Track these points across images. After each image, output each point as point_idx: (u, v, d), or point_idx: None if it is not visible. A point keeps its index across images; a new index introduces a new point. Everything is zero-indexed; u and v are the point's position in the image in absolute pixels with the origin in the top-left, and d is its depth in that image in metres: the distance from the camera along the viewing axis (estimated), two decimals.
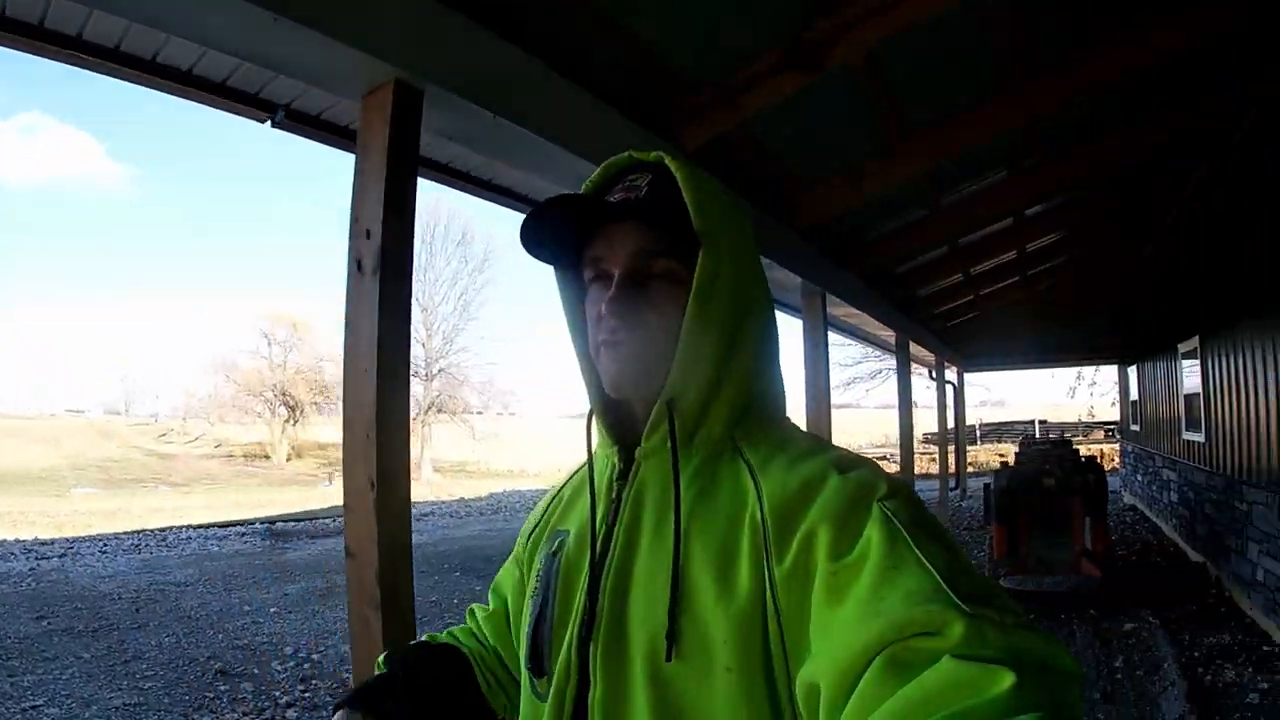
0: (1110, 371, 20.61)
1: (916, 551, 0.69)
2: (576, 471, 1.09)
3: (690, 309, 0.87)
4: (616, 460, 0.96)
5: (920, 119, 4.56)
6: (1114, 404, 20.84)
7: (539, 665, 0.91)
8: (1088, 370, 25.73)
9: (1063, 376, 31.49)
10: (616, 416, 0.98)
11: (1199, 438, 8.30)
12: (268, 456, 34.94)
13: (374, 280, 2.25)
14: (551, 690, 0.88)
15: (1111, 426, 27.76)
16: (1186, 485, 9.07)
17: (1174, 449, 9.87)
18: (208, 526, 14.69)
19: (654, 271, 0.90)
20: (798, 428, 0.98)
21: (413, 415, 32.11)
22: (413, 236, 2.39)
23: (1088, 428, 31.83)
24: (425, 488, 25.65)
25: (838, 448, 0.91)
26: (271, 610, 8.00)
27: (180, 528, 14.47)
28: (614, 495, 0.95)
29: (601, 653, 0.84)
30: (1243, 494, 6.65)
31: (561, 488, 1.10)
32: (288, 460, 34.80)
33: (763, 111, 3.51)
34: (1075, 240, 10.26)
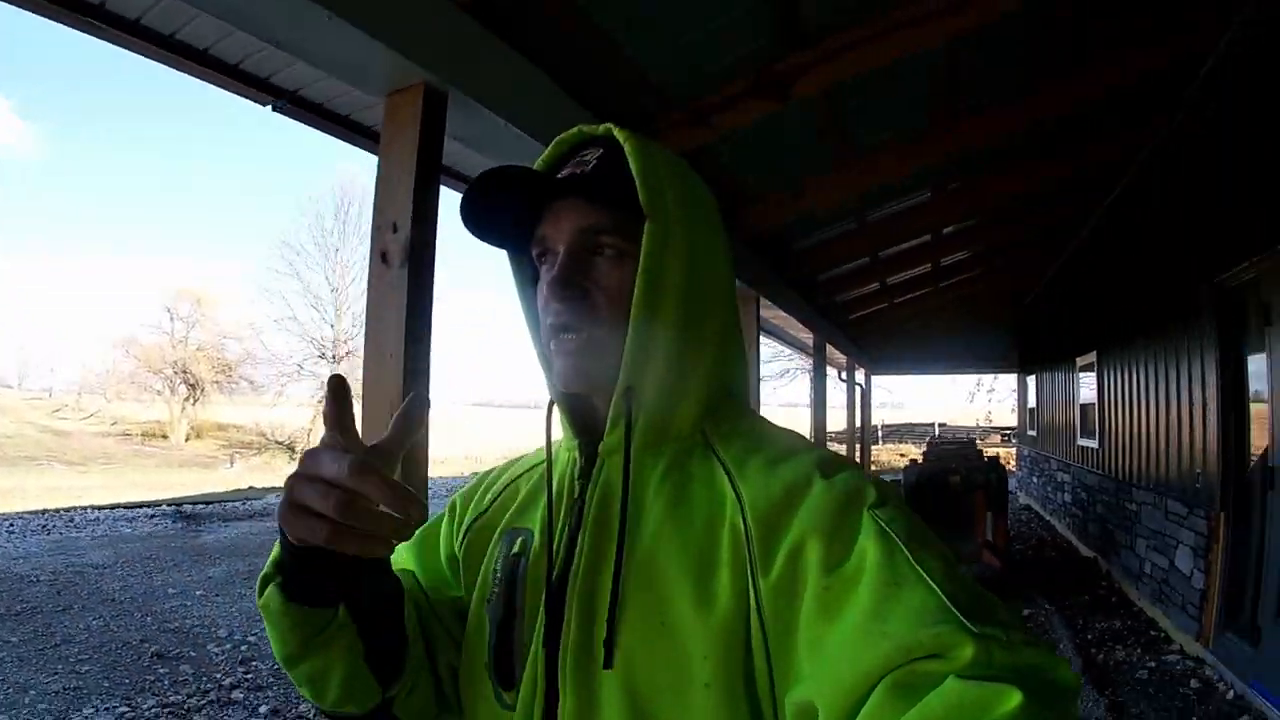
0: (1009, 379, 21.53)
1: (917, 567, 0.66)
2: (535, 465, 1.01)
3: (638, 287, 0.81)
4: (578, 456, 0.91)
5: (862, 146, 4.96)
6: (1013, 410, 21.83)
7: (508, 676, 0.85)
8: (987, 377, 26.97)
9: (962, 382, 32.96)
10: (578, 408, 0.93)
11: (1093, 444, 8.92)
12: (165, 436, 33.67)
13: (402, 272, 2.43)
14: (519, 701, 0.82)
15: (1008, 431, 29.04)
16: (1080, 487, 9.71)
17: (1069, 454, 10.51)
18: (114, 507, 14.26)
19: (599, 250, 0.84)
20: (768, 420, 0.94)
21: (315, 397, 30.29)
22: (436, 232, 2.57)
23: (985, 432, 33.18)
24: None
25: (815, 446, 0.86)
26: (198, 593, 7.91)
27: (85, 508, 14.00)
28: (576, 495, 0.89)
29: (571, 664, 0.79)
30: (1132, 495, 7.23)
31: (516, 479, 1.01)
32: (186, 440, 33.62)
33: (731, 131, 3.80)
34: (986, 257, 10.89)
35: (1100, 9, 4.11)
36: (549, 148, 0.91)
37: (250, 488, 19.82)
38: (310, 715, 4.77)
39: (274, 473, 24.52)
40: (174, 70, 3.00)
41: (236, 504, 15.71)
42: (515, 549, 0.90)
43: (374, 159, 2.69)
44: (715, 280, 0.89)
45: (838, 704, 0.61)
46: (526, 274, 0.96)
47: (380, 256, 2.48)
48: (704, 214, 0.89)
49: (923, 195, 6.89)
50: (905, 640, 0.60)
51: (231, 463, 27.95)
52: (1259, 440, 4.91)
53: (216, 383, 34.92)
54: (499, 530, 0.95)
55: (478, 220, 0.89)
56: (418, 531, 1.02)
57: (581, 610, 0.80)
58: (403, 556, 1.04)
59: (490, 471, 1.08)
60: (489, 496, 1.00)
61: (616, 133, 0.86)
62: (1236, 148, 4.84)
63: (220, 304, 36.36)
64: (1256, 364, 4.94)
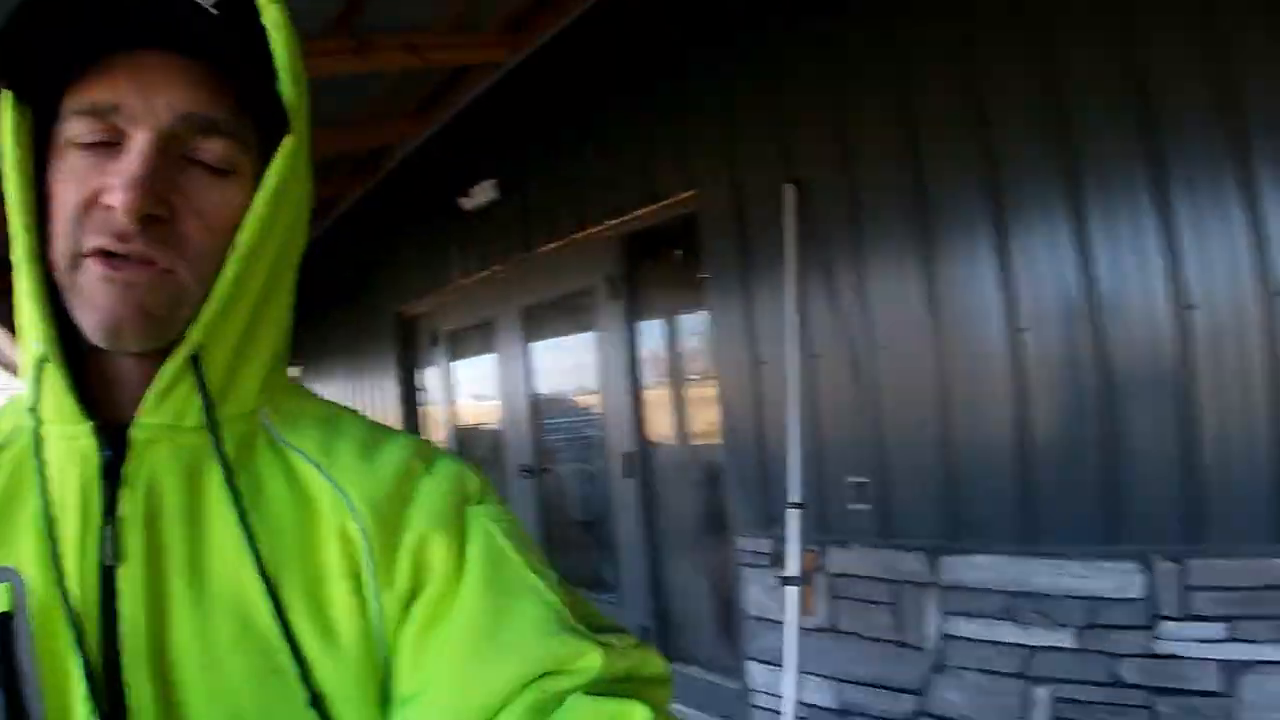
0: None
1: (531, 575, 0.57)
2: None
3: (256, 216, 0.55)
4: (94, 450, 0.54)
5: None
6: None
7: None
8: None
9: None
10: (83, 377, 0.56)
11: None
12: None
13: None
14: None
15: None
16: None
17: None
18: None
19: (205, 153, 0.54)
20: (314, 392, 0.72)
21: None
22: None
23: None
24: None
25: (388, 426, 0.70)
26: None
27: None
28: (102, 508, 0.54)
29: None
30: None
31: None
32: None
33: None
34: None
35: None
36: None
37: None
38: None
39: None
40: None
41: None
42: None
43: None
44: (304, 217, 0.64)
45: None
46: (28, 131, 0.56)
47: None
48: (309, 128, 0.62)
49: None
50: (533, 653, 0.51)
51: None
52: (430, 430, 6.40)
53: None
54: None
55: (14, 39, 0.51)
56: None
57: (157, 690, 0.52)
58: None
59: None
60: None
61: None
62: (422, 212, 5.92)
63: None
64: (427, 374, 6.45)
